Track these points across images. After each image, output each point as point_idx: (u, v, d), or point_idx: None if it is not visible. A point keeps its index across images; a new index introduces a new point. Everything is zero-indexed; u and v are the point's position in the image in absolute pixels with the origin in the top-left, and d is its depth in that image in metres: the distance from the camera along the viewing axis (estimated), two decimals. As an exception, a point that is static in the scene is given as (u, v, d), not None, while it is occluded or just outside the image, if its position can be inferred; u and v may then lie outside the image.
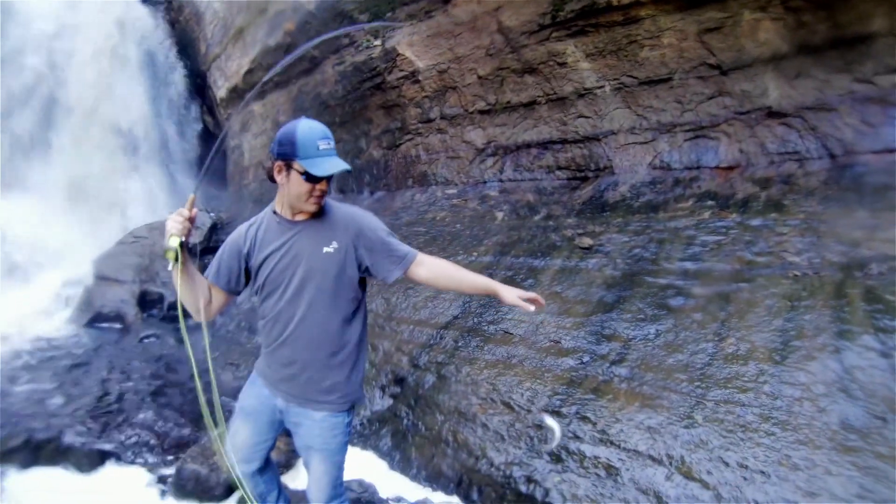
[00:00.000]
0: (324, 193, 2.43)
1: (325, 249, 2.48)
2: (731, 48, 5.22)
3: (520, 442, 4.03)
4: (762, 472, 3.02)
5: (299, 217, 2.53)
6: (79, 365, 7.03)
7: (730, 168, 5.26)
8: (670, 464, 3.31)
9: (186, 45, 13.44)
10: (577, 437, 3.79)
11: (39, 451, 4.86)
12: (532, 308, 2.43)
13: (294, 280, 2.51)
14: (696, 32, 5.37)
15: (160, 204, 12.87)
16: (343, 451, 2.73)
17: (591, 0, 5.75)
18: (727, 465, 3.13)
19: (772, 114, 5.04)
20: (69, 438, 5.09)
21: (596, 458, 3.61)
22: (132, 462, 5.02)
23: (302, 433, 2.65)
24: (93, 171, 12.32)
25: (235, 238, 2.65)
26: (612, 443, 3.63)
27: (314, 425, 2.59)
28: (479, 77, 7.12)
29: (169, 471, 4.83)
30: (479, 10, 6.76)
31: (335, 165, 2.34)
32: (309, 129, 2.34)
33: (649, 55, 5.72)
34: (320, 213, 2.53)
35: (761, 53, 5.06)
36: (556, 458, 3.76)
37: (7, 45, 11.61)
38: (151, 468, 4.92)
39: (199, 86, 13.74)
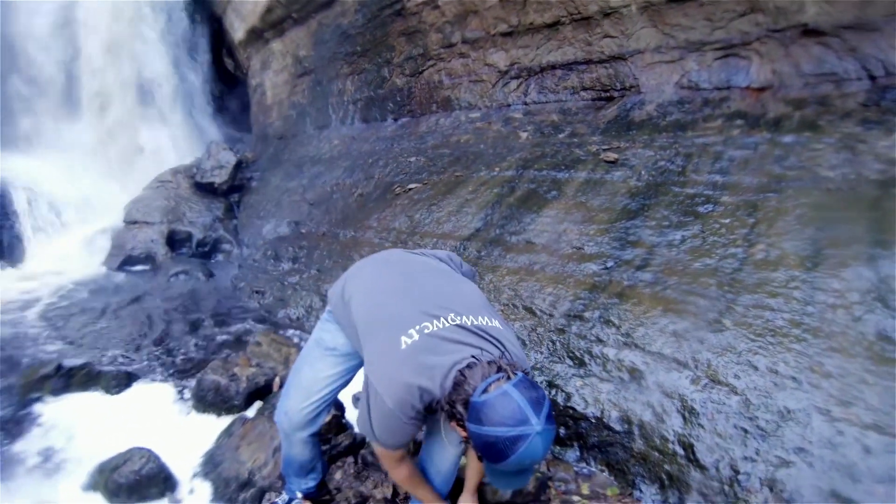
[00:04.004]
0: None
1: None
2: None
3: (541, 346, 4.08)
4: (793, 378, 3.00)
5: None
6: (110, 301, 7.44)
7: (761, 89, 5.18)
8: (696, 367, 3.32)
9: None
10: (600, 341, 3.83)
11: (71, 377, 5.01)
12: None
13: None
14: None
15: (183, 149, 13.24)
16: None
17: None
18: (756, 369, 3.13)
19: (808, 32, 4.90)
20: (99, 364, 5.34)
21: (620, 361, 3.64)
22: (158, 381, 5.23)
23: None
24: (117, 123, 12.74)
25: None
26: (636, 346, 3.66)
27: None
28: (501, -1, 6.97)
29: (189, 385, 5.04)
30: (496, -75, 6.59)
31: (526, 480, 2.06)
32: (522, 458, 1.81)
33: (678, -31, 5.56)
34: None
35: None
36: (578, 361, 3.82)
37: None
38: (176, 385, 5.12)
39: (215, 30, 13.73)
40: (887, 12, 4.48)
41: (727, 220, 4.14)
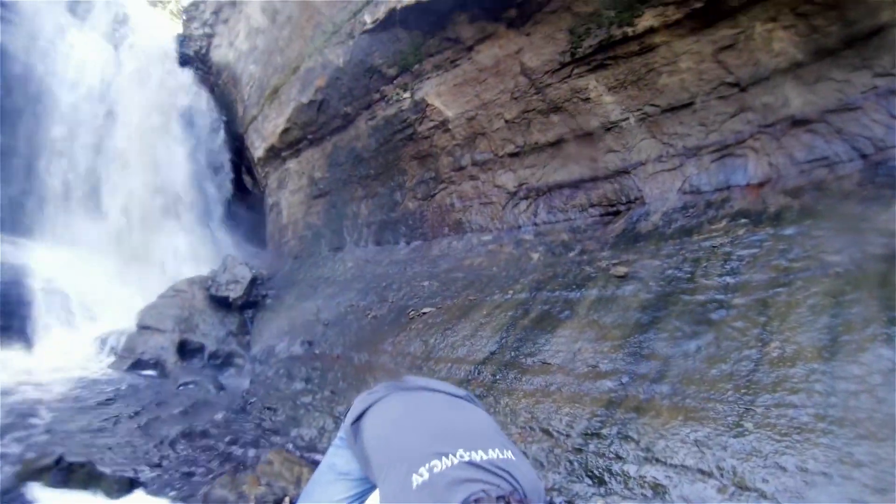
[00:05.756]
0: None
1: None
2: (748, 63, 5.23)
3: (559, 467, 3.89)
4: (823, 474, 2.81)
5: None
6: (117, 403, 7.29)
7: (760, 184, 5.18)
8: (721, 476, 3.11)
9: (224, 107, 14.21)
10: (619, 458, 3.63)
11: (72, 473, 4.93)
12: None
13: None
14: (711, 52, 5.41)
15: (200, 259, 13.48)
16: None
17: (607, 34, 5.88)
18: (784, 470, 2.93)
19: (796, 122, 4.99)
20: (101, 465, 5.17)
21: (641, 477, 3.43)
22: (159, 492, 5.04)
23: None
24: (136, 228, 13.29)
25: None
26: (657, 460, 3.45)
27: None
28: (507, 121, 7.23)
29: (196, 499, 4.84)
30: (501, 53, 6.93)
31: None
32: None
33: (668, 81, 5.76)
34: None
35: (778, 64, 5.06)
36: (598, 480, 3.60)
37: (55, 104, 12.54)
38: (179, 497, 4.94)
39: (237, 147, 14.34)
40: (864, 88, 4.54)
41: (740, 324, 3.98)
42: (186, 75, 14.39)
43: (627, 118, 6.15)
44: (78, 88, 12.90)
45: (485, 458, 2.10)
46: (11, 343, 9.17)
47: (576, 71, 6.36)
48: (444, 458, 2.09)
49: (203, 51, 14.06)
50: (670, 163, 5.88)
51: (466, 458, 2.08)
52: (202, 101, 14.52)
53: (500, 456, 2.12)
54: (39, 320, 9.80)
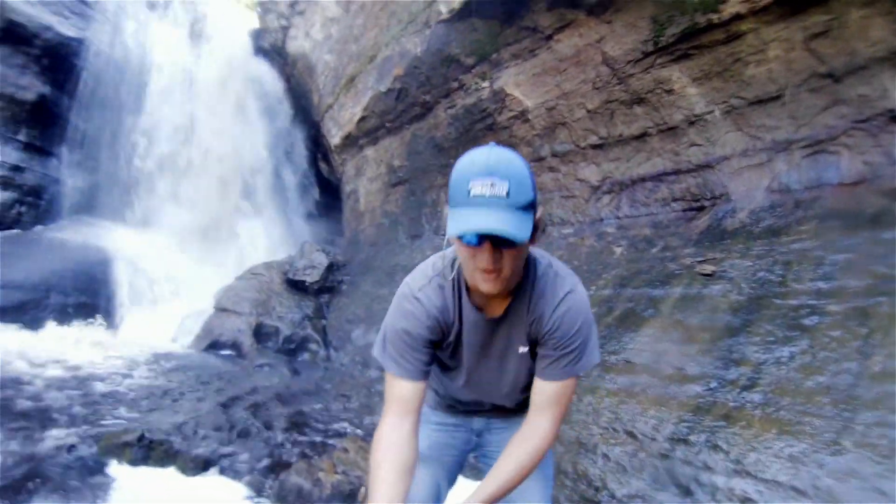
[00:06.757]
0: (494, 271, 1.63)
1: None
2: (842, 52, 4.94)
3: (643, 473, 3.90)
4: None
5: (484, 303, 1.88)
6: (195, 382, 7.62)
7: (854, 184, 4.96)
8: (817, 496, 3.05)
9: (300, 96, 14.48)
10: (707, 468, 3.60)
11: (151, 450, 5.17)
12: None
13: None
14: (802, 40, 5.16)
15: (277, 245, 14.15)
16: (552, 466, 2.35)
17: (690, 21, 5.71)
18: (884, 494, 2.84)
19: (895, 117, 4.71)
20: (179, 443, 5.40)
21: (730, 489, 3.40)
22: (234, 474, 5.21)
23: None
24: (216, 214, 13.96)
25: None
26: (748, 473, 3.41)
27: None
28: (588, 111, 7.15)
29: (269, 484, 4.97)
30: (581, 42, 6.84)
31: (483, 222, 1.51)
32: (468, 162, 1.58)
33: (756, 72, 5.56)
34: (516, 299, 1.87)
35: (875, 53, 4.73)
36: (684, 490, 3.60)
37: (138, 95, 13.34)
38: (253, 480, 5.08)
39: (313, 136, 14.69)
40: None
41: (837, 333, 3.86)
42: (263, 66, 14.84)
43: (712, 111, 5.99)
44: (159, 80, 13.49)
45: None
46: (95, 321, 9.91)
47: (659, 61, 6.22)
48: None
49: (279, 42, 14.33)
50: (757, 158, 5.71)
51: None
52: (278, 91, 14.95)
53: None
54: (122, 300, 10.56)
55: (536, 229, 1.71)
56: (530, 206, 1.61)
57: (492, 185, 1.51)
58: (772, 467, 3.34)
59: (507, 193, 1.52)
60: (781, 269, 4.75)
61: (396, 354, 1.90)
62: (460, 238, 1.60)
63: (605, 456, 4.20)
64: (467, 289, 1.87)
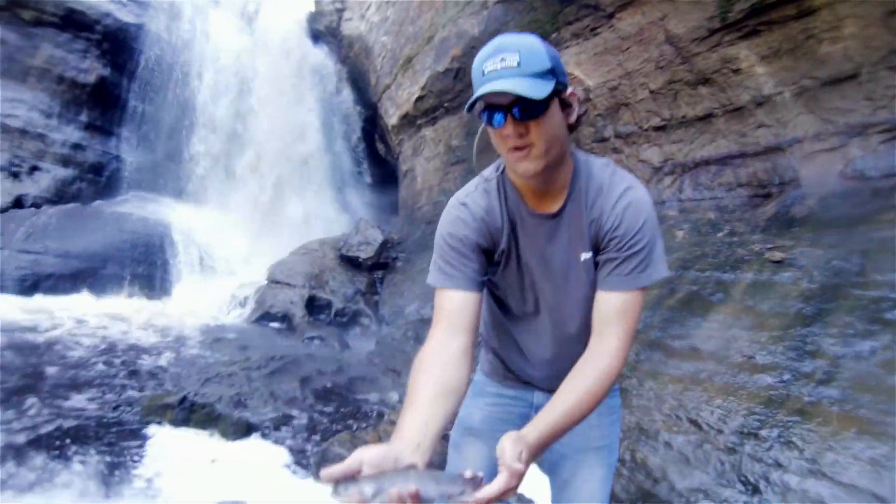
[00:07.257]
0: (522, 147, 1.58)
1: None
2: None
3: (708, 466, 3.76)
4: None
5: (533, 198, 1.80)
6: (244, 351, 7.75)
7: (937, 172, 4.74)
8: (900, 505, 2.87)
9: (357, 77, 14.72)
10: (779, 465, 3.44)
11: (193, 412, 5.29)
12: None
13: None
14: (879, 16, 4.90)
15: (332, 222, 14.44)
16: (617, 449, 2.14)
17: (760, -6, 5.47)
18: (973, 505, 2.67)
19: (985, 99, 4.41)
20: (222, 407, 5.50)
21: (804, 491, 3.24)
22: (276, 440, 5.29)
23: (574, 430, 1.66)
24: (271, 191, 14.26)
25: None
26: (823, 474, 3.24)
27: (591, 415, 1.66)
28: (651, 92, 7.03)
29: (311, 451, 5.04)
30: (644, 20, 6.72)
31: (492, 87, 1.49)
32: (483, 50, 1.59)
33: (830, 50, 5.32)
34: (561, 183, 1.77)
35: None
36: (752, 487, 3.47)
37: (196, 78, 13.70)
38: (295, 447, 5.15)
39: (369, 116, 14.87)
40: None
41: (923, 330, 3.66)
42: (319, 49, 15.11)
43: (781, 91, 5.80)
44: (217, 62, 13.86)
45: None
46: (152, 291, 10.33)
47: (725, 38, 6.05)
48: None
49: (334, 24, 14.57)
50: (829, 142, 5.51)
51: None
52: (334, 72, 15.18)
53: None
54: (177, 271, 10.92)
55: (569, 106, 1.66)
56: (548, 73, 1.54)
57: (502, 59, 1.50)
58: (850, 470, 3.17)
59: (518, 63, 1.49)
60: (859, 259, 4.56)
61: (443, 263, 1.78)
62: (489, 123, 1.59)
63: (668, 444, 4.08)
64: (515, 188, 1.83)
